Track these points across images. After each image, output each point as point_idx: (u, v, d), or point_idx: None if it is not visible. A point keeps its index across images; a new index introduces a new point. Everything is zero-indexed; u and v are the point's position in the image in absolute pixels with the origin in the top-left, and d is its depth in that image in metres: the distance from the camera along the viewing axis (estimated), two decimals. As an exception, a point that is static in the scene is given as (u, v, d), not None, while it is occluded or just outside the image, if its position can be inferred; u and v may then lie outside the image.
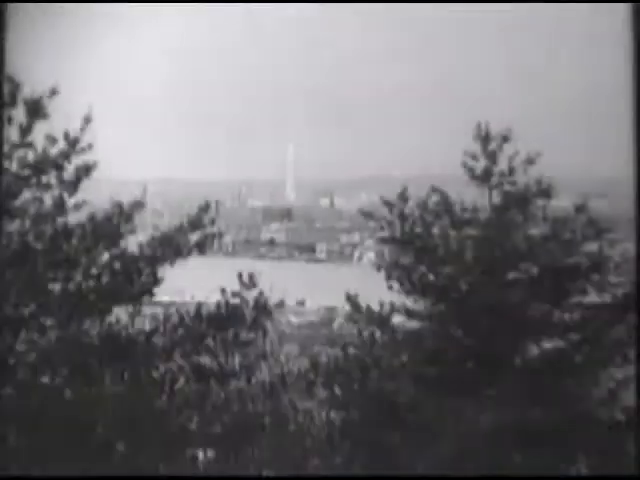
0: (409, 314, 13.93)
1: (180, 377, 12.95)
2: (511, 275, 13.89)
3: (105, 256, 12.99)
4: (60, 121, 13.09)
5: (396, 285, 13.91)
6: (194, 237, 13.31)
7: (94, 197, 13.55)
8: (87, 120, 13.06)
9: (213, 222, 13.36)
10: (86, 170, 13.04)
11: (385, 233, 14.18)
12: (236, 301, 13.19)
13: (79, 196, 13.06)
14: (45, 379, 12.58)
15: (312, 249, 59.65)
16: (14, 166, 12.85)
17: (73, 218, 12.99)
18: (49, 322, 12.64)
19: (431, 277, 13.95)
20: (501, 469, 12.64)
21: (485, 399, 13.19)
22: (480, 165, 13.94)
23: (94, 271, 12.87)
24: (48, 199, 12.96)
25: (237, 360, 13.29)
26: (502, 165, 13.93)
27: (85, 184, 13.11)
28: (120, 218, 13.10)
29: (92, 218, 13.00)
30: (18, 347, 12.58)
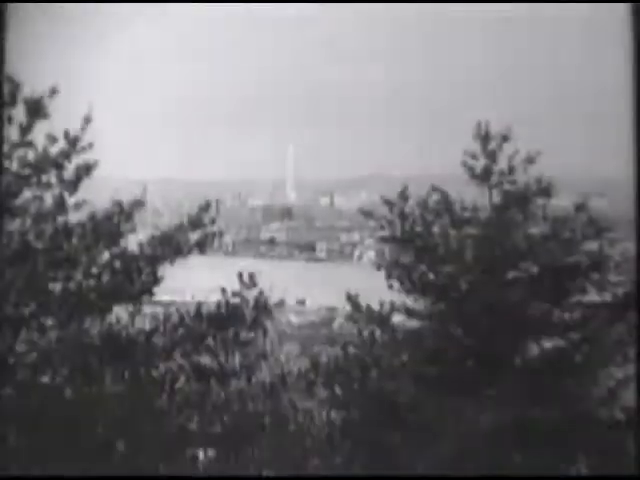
0: (409, 313, 13.93)
1: (180, 377, 12.95)
2: (511, 274, 13.90)
3: (105, 255, 12.99)
4: (60, 120, 13.11)
5: (396, 284, 13.91)
6: (194, 236, 13.31)
7: (94, 196, 13.55)
8: (87, 120, 13.07)
9: (213, 221, 13.36)
10: (86, 169, 13.04)
11: (385, 232, 14.19)
12: (236, 301, 13.19)
13: (79, 195, 13.06)
14: (45, 379, 12.58)
15: (312, 248, 59.67)
16: (14, 165, 12.85)
17: (73, 217, 12.99)
18: (49, 322, 12.64)
19: (431, 276, 13.95)
20: (501, 469, 12.64)
21: (485, 399, 13.19)
22: (480, 164, 13.95)
23: (94, 270, 12.87)
24: (48, 198, 12.96)
25: (237, 360, 13.29)
26: (502, 164, 13.94)
27: (85, 183, 13.11)
28: (120, 217, 13.10)
29: (92, 217, 13.00)
30: (18, 347, 12.58)
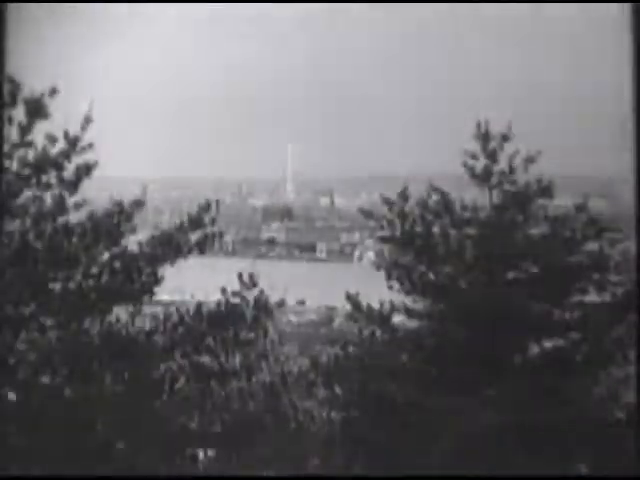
0: (409, 313, 13.93)
1: (180, 377, 12.94)
2: (511, 274, 13.90)
3: (105, 255, 12.98)
4: (60, 120, 13.10)
5: (396, 284, 13.91)
6: (194, 236, 13.30)
7: (94, 196, 13.55)
8: (87, 120, 13.06)
9: (213, 221, 13.35)
10: (86, 169, 13.04)
11: (385, 232, 14.19)
12: (236, 300, 13.19)
13: (79, 195, 13.06)
14: (45, 379, 12.58)
15: (312, 248, 59.70)
16: (14, 165, 12.85)
17: (73, 217, 12.99)
18: (49, 322, 12.63)
19: (431, 276, 13.95)
20: (501, 469, 12.63)
21: (485, 399, 13.19)
22: (480, 164, 13.95)
23: (94, 270, 12.86)
24: (48, 198, 12.95)
25: (237, 359, 13.29)
26: (502, 164, 13.93)
27: (85, 183, 13.10)
28: (120, 217, 13.09)
29: (92, 217, 13.00)
30: (18, 347, 12.58)
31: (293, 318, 30.23)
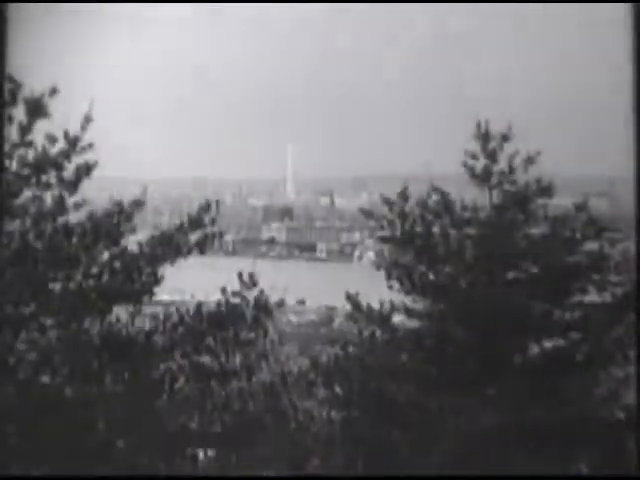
0: (409, 313, 13.94)
1: (180, 376, 12.94)
2: (511, 274, 13.90)
3: (105, 255, 12.98)
4: (60, 120, 13.10)
5: (396, 284, 13.92)
6: (194, 236, 13.30)
7: (94, 196, 13.55)
8: (87, 119, 13.06)
9: (213, 221, 13.35)
10: (86, 169, 13.04)
11: (385, 232, 14.19)
12: (236, 300, 13.18)
13: (79, 195, 13.06)
14: (45, 379, 12.58)
15: (312, 248, 59.74)
16: (14, 165, 12.85)
17: (73, 217, 12.99)
18: (49, 322, 12.63)
19: (431, 276, 13.96)
20: (501, 469, 12.64)
21: (485, 398, 13.19)
22: (480, 164, 13.96)
23: (94, 270, 12.86)
24: (48, 198, 12.95)
25: (237, 359, 13.29)
26: (502, 164, 13.94)
27: (85, 183, 13.11)
28: (120, 217, 13.09)
29: (92, 217, 13.00)
30: (18, 346, 12.57)
31: (293, 318, 30.26)
